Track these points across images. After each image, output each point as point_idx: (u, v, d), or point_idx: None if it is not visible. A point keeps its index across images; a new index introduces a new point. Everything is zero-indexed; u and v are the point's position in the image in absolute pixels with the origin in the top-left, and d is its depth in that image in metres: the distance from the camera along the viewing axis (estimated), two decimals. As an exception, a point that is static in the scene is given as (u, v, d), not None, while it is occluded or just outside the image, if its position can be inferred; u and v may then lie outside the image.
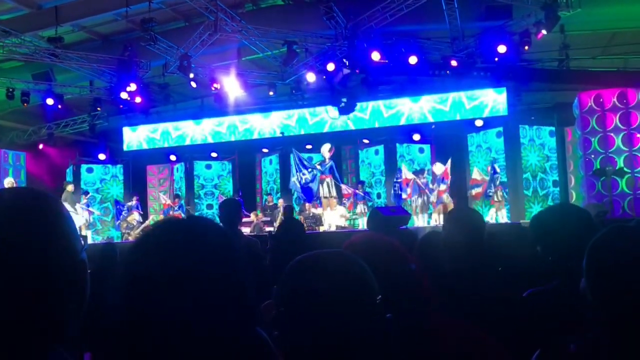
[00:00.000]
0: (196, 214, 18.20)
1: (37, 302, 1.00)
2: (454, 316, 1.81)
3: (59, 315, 1.04)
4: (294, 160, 14.70)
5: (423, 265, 1.90)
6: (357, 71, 14.28)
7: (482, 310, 2.14)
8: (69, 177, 18.77)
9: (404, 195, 14.04)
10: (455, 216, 2.68)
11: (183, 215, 17.16)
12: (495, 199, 13.81)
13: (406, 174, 14.23)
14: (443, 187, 13.73)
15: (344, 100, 14.07)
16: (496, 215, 13.72)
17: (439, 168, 14.03)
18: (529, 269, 2.69)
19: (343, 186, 14.82)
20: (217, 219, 16.76)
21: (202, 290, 1.05)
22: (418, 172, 14.56)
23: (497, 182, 13.86)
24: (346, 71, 13.41)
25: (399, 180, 14.22)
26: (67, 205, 14.46)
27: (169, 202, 16.79)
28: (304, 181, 13.61)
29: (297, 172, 14.01)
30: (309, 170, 13.87)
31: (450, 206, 13.26)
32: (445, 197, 13.73)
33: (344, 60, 13.91)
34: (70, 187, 15.55)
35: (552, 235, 2.29)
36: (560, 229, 2.27)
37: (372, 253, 1.42)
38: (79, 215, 15.05)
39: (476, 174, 14.58)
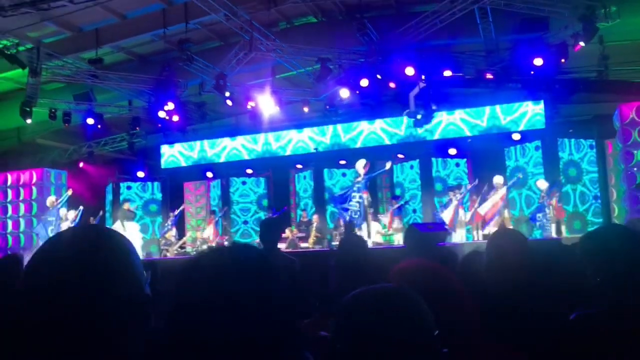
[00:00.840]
0: (232, 230, 18.38)
1: (99, 339, 1.05)
2: (498, 340, 1.78)
3: (122, 350, 1.08)
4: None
5: (466, 288, 1.88)
6: (392, 85, 14.29)
7: (527, 334, 2.11)
8: (109, 192, 19.20)
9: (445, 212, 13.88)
10: (497, 241, 2.63)
11: (219, 229, 17.36)
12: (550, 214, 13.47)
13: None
14: (497, 199, 13.50)
15: (421, 112, 13.97)
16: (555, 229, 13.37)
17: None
18: (574, 288, 2.63)
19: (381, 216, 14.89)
20: (253, 235, 16.68)
21: (246, 316, 1.10)
22: (454, 188, 14.40)
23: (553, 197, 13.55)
24: (422, 85, 13.30)
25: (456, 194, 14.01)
26: (124, 224, 14.78)
27: (210, 236, 16.94)
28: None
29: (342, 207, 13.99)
30: (348, 198, 13.88)
31: (507, 221, 13.26)
32: (505, 212, 13.63)
33: (378, 75, 13.94)
34: (126, 205, 15.78)
35: (604, 256, 2.24)
36: (613, 251, 2.22)
37: (422, 282, 1.42)
38: (135, 234, 15.18)
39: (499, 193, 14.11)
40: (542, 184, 13.79)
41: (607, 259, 2.18)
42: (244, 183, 19.20)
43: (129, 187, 19.28)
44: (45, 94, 15.66)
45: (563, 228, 13.38)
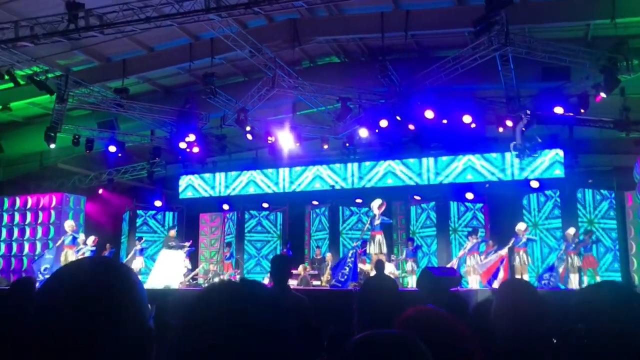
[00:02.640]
0: (246, 264, 18.34)
1: None
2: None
3: None
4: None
5: (476, 338, 1.87)
6: (411, 127, 14.36)
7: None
8: (126, 220, 19.35)
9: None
10: (505, 290, 2.62)
11: (233, 262, 17.32)
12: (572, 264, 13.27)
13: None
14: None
15: (527, 145, 13.90)
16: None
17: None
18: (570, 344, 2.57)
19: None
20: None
21: (252, 356, 1.12)
22: (471, 233, 14.30)
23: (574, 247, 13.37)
24: (525, 120, 13.21)
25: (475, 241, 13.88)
26: (171, 253, 14.81)
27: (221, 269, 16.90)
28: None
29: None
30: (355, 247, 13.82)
31: (522, 268, 13.08)
32: (524, 255, 13.46)
33: (397, 117, 14.03)
34: (172, 232, 15.87)
35: (596, 316, 2.09)
36: (605, 311, 2.09)
37: (430, 331, 1.41)
38: (179, 263, 15.14)
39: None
40: (571, 232, 13.62)
41: (599, 320, 2.05)
42: (259, 217, 19.25)
43: (145, 221, 19.39)
44: (70, 120, 15.97)
45: (586, 279, 13.13)
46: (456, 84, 13.37)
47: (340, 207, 18.15)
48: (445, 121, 13.68)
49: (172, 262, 14.72)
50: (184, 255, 15.38)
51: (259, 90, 14.41)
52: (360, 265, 14.52)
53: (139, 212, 19.48)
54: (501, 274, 12.88)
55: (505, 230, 14.23)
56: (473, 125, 13.82)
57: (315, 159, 18.20)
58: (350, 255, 13.09)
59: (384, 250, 13.45)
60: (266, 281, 13.08)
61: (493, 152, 16.07)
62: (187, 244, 15.86)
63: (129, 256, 16.98)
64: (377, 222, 13.43)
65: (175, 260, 14.77)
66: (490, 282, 12.82)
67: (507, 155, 15.82)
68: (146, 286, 13.20)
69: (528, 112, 13.04)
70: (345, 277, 12.72)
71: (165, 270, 14.45)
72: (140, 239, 17.69)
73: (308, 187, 18.32)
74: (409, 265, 15.13)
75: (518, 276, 12.67)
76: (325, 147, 16.75)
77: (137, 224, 19.30)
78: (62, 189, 19.30)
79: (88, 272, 1.19)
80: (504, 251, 13.18)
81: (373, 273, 12.33)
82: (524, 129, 13.42)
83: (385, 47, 13.13)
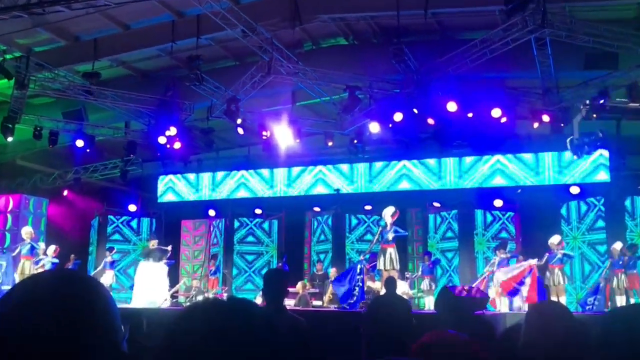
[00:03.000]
0: (234, 279, 18.35)
1: None
2: None
3: None
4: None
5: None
6: (431, 122, 14.36)
7: None
8: (95, 227, 19.38)
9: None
10: (535, 314, 2.60)
11: (219, 278, 17.33)
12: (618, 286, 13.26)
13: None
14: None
15: (586, 141, 13.82)
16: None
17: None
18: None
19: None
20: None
21: None
22: (499, 247, 14.27)
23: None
24: (584, 111, 13.11)
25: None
26: (151, 265, 14.86)
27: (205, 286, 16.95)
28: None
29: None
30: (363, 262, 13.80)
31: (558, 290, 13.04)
32: (552, 278, 13.42)
33: (414, 109, 14.04)
34: (153, 243, 15.92)
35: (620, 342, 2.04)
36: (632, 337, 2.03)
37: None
38: (162, 277, 15.16)
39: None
40: (617, 246, 13.59)
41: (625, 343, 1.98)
42: (251, 225, 19.25)
43: (117, 228, 19.42)
44: (32, 109, 15.98)
45: (632, 301, 13.11)
46: (484, 72, 13.38)
47: (347, 215, 18.15)
48: (470, 115, 13.68)
49: (154, 276, 14.74)
50: (165, 267, 15.40)
51: (252, 77, 14.43)
52: (368, 283, 14.51)
53: (110, 217, 19.52)
54: (525, 289, 12.83)
55: (539, 244, 14.20)
56: (503, 120, 13.82)
57: (318, 158, 18.21)
58: (358, 271, 13.09)
59: (397, 266, 13.42)
60: (259, 301, 13.08)
61: (526, 153, 16.05)
62: (168, 248, 15.92)
63: (98, 269, 17.01)
64: (389, 233, 13.40)
65: (158, 274, 14.81)
66: (511, 294, 12.78)
67: (544, 156, 15.80)
68: (125, 305, 13.12)
69: (587, 102, 12.97)
70: (355, 298, 12.73)
71: (147, 286, 14.47)
72: (111, 249, 17.70)
73: (309, 191, 18.34)
74: (426, 283, 15.11)
75: (554, 298, 12.64)
76: (330, 144, 16.75)
77: (108, 232, 19.34)
78: (21, 189, 19.33)
79: (49, 287, 1.17)
80: (534, 261, 13.11)
81: (383, 292, 12.28)
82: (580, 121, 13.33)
83: (401, 27, 13.11)
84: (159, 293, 14.35)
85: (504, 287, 13.06)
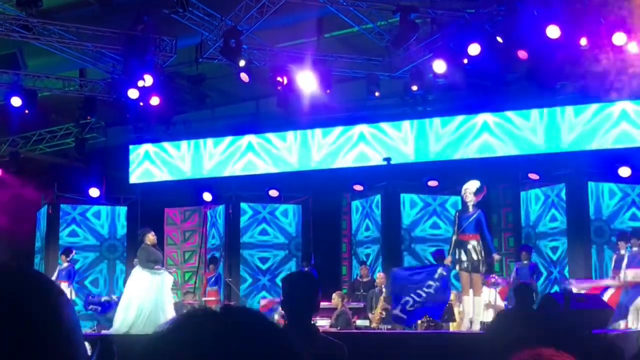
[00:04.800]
0: (242, 289, 18.46)
1: None
2: None
3: None
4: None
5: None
6: (523, 55, 14.27)
7: None
8: (43, 220, 19.53)
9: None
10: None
11: (221, 294, 17.43)
12: None
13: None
14: None
15: None
16: None
17: None
18: None
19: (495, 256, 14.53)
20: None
21: None
22: (623, 236, 14.11)
23: None
24: None
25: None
26: (145, 271, 14.96)
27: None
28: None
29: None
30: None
31: None
32: None
33: (498, 38, 13.95)
34: (151, 237, 15.84)
35: None
36: None
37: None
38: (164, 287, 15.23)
39: None
40: None
41: None
42: (263, 212, 19.31)
43: (74, 221, 19.56)
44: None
45: None
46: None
47: (402, 196, 18.07)
48: (584, 42, 13.46)
49: (159, 289, 14.71)
50: (171, 278, 15.45)
51: (259, -2, 14.42)
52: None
53: (64, 206, 19.65)
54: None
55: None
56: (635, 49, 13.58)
57: (358, 114, 18.19)
58: (437, 275, 13.05)
59: (481, 266, 13.38)
60: (277, 318, 13.13)
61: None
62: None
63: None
64: (471, 216, 13.33)
65: (165, 286, 14.78)
66: None
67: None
68: (105, 332, 13.20)
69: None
70: (419, 303, 12.66)
71: (147, 303, 14.44)
72: (67, 251, 17.82)
73: (346, 162, 18.29)
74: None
75: None
76: (377, 94, 16.69)
77: (61, 227, 19.50)
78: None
79: None
80: None
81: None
82: None
83: None
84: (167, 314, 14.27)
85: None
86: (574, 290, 13.03)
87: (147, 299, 14.46)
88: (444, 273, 13.23)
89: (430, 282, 12.88)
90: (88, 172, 19.70)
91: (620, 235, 14.42)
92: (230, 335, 1.20)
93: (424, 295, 12.73)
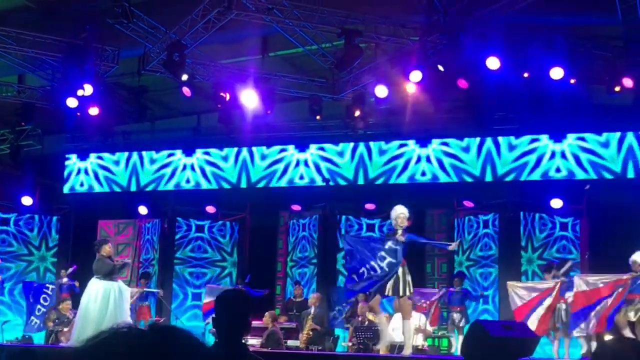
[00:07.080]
0: (172, 308, 18.34)
1: None
2: None
3: None
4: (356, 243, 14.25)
5: None
6: (462, 85, 14.42)
7: None
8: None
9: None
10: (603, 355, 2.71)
11: (152, 305, 17.32)
12: None
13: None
14: None
15: None
16: None
17: None
18: None
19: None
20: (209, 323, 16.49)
21: None
22: (551, 267, 14.24)
23: None
24: None
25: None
26: (101, 282, 14.71)
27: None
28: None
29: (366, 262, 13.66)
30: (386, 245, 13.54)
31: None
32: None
33: (439, 66, 14.09)
34: (107, 248, 15.45)
35: None
36: None
37: None
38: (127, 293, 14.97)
39: None
40: None
41: None
42: (200, 229, 19.25)
43: (3, 221, 19.30)
44: None
45: None
46: (539, 15, 13.42)
47: (339, 216, 18.18)
48: (526, 75, 13.68)
49: (116, 300, 14.51)
50: (128, 290, 15.28)
51: (205, 14, 14.39)
52: (369, 316, 14.60)
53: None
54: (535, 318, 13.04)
55: (618, 263, 14.29)
56: (572, 81, 13.86)
57: (299, 134, 18.23)
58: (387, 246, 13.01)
59: (410, 290, 13.43)
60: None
61: (597, 134, 16.19)
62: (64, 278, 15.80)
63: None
64: (400, 239, 13.35)
65: (122, 297, 14.58)
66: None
67: (625, 137, 15.91)
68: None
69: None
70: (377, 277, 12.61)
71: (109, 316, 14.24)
72: (67, 266, 17.66)
73: (284, 182, 18.37)
74: (455, 317, 15.21)
75: (629, 335, 12.73)
76: (318, 118, 16.76)
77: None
78: None
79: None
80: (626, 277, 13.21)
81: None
82: None
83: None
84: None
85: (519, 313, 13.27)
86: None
87: (104, 310, 14.32)
88: (395, 247, 13.16)
89: (383, 253, 12.74)
90: (21, 180, 19.41)
91: (546, 267, 14.61)
92: (153, 354, 1.21)
93: (379, 271, 12.64)
